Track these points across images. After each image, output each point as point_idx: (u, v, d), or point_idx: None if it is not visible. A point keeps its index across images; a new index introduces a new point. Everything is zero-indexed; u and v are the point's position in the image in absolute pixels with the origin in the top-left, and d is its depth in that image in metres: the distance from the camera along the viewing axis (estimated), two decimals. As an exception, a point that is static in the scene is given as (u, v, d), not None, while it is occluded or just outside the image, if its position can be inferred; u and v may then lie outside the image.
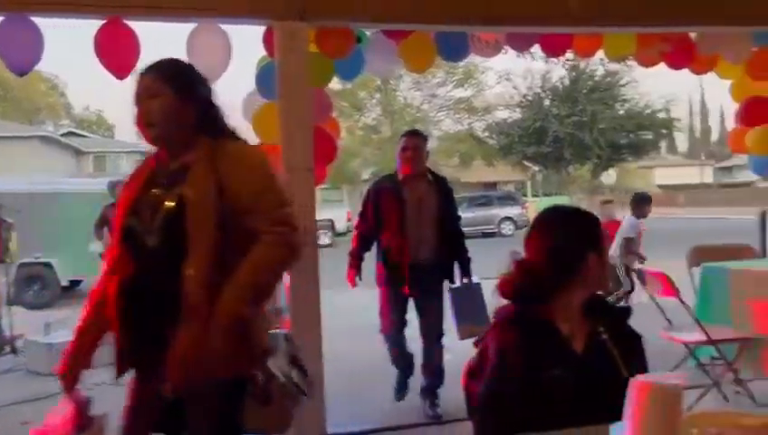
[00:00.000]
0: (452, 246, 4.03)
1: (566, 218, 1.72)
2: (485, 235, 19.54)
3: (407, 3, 3.67)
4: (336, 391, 3.80)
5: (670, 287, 3.60)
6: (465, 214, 21.71)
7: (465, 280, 4.08)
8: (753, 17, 4.23)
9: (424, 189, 3.99)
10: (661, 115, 25.36)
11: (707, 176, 42.57)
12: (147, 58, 3.29)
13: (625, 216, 6.56)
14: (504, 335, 1.57)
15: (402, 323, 4.02)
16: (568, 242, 1.64)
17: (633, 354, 1.68)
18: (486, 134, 26.27)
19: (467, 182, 27.65)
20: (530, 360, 1.52)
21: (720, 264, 4.08)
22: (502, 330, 1.60)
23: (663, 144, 39.46)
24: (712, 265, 4.10)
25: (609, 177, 32.39)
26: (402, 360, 4.09)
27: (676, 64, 4.67)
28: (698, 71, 4.86)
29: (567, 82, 23.33)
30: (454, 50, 4.24)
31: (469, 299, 3.94)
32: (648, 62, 4.68)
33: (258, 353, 1.78)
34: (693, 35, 4.61)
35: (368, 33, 4.10)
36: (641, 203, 6.36)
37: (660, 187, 41.24)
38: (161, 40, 3.66)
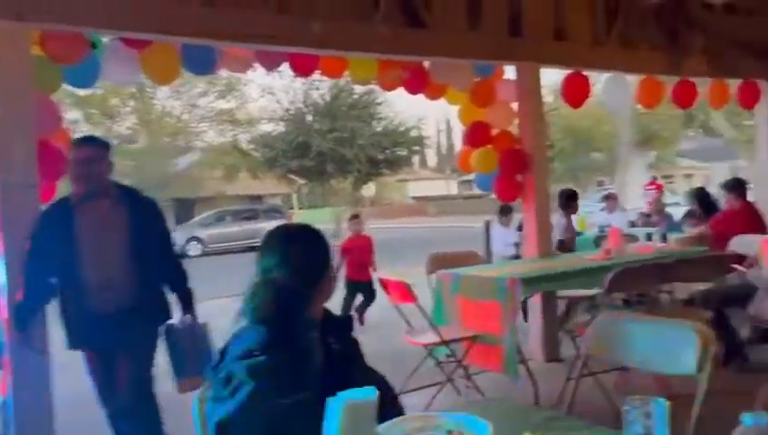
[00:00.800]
0: (166, 279, 3.20)
1: (301, 235, 1.74)
2: (252, 248, 19.35)
3: (145, 11, 3.48)
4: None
5: (408, 294, 3.90)
6: (231, 228, 21.26)
7: (186, 317, 3.23)
8: (473, 52, 4.83)
9: (107, 212, 3.05)
10: (413, 133, 27.61)
11: (453, 188, 47.30)
12: None
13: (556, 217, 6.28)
14: (254, 363, 1.49)
15: (113, 394, 3.10)
16: (310, 257, 1.67)
17: (356, 361, 1.78)
18: (252, 147, 26.14)
19: (233, 195, 27.19)
20: (282, 382, 1.49)
21: (451, 270, 4.53)
22: (251, 353, 1.52)
23: (416, 159, 43.01)
24: (444, 272, 4.53)
25: (370, 189, 34.37)
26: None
27: (412, 89, 5.12)
28: (432, 96, 5.38)
29: (328, 98, 24.27)
30: (200, 63, 4.14)
31: (191, 344, 3.17)
32: (388, 87, 5.07)
33: None
34: (426, 65, 5.11)
35: (105, 39, 3.81)
36: (569, 200, 6.41)
37: (414, 198, 44.86)
38: None
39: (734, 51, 6.42)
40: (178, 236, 21.30)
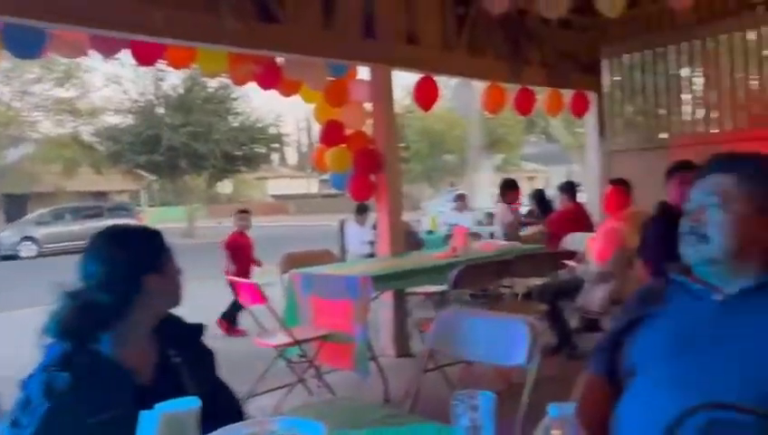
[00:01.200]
0: None
1: (118, 240, 1.57)
2: (95, 249, 18.01)
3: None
4: None
5: (259, 295, 3.81)
6: (72, 227, 19.70)
7: None
8: (326, 50, 4.82)
9: None
10: (272, 130, 27.13)
11: (313, 186, 47.25)
12: None
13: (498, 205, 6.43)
14: (52, 381, 1.35)
15: None
16: (120, 266, 1.50)
17: (206, 374, 1.66)
18: (95, 139, 24.23)
19: (74, 191, 25.13)
20: (82, 405, 1.34)
21: (302, 269, 4.48)
22: (49, 373, 1.37)
23: (276, 157, 42.40)
24: (296, 271, 4.48)
25: (226, 187, 33.33)
26: None
27: (265, 85, 5.00)
28: (285, 93, 5.30)
29: (181, 90, 23.11)
30: (24, 45, 3.74)
31: None
32: (240, 81, 4.92)
33: None
34: (280, 61, 5.02)
35: None
36: (508, 190, 6.45)
37: (274, 196, 44.25)
38: None
39: (568, 64, 6.99)
40: (9, 235, 19.39)
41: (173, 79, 22.60)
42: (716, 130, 6.74)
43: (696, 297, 1.33)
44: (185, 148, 22.51)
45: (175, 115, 22.64)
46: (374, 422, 1.47)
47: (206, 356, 1.69)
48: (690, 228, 1.34)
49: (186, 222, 23.68)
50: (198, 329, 1.71)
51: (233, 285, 4.03)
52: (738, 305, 1.27)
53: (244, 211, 6.60)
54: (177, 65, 4.80)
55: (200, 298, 6.20)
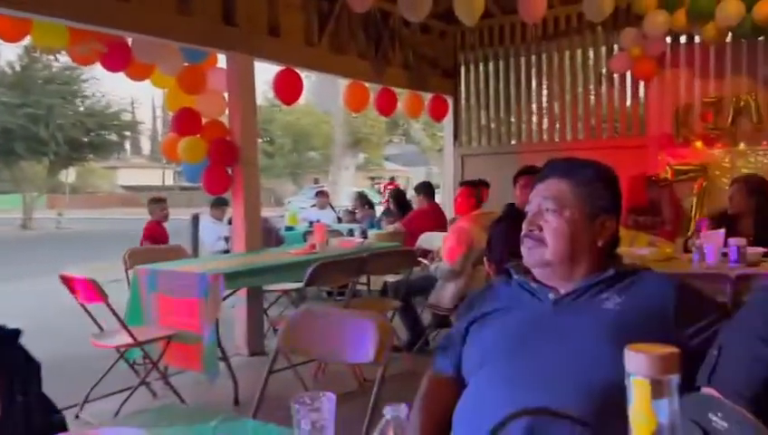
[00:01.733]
0: None
1: None
2: None
3: None
4: None
5: (97, 293, 3.51)
6: None
7: None
8: (180, 34, 4.55)
9: None
10: (125, 116, 25.44)
11: (169, 178, 44.96)
12: None
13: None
14: None
15: None
16: None
17: (16, 384, 1.45)
18: None
19: None
20: None
21: (149, 265, 4.20)
22: None
23: (128, 145, 39.87)
24: (141, 267, 4.19)
25: (70, 175, 30.84)
26: None
27: (112, 67, 4.64)
28: (135, 77, 4.95)
29: (17, 67, 20.93)
30: None
31: None
32: (81, 60, 4.52)
33: None
34: (130, 41, 4.67)
35: None
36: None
37: (125, 187, 41.58)
38: None
39: (427, 67, 7.21)
40: None
41: (9, 54, 20.49)
42: (557, 140, 7.28)
43: (534, 297, 1.37)
44: (22, 131, 20.43)
45: (10, 94, 20.48)
46: (210, 426, 1.38)
47: (21, 364, 1.49)
48: (528, 231, 1.38)
49: (22, 212, 21.58)
50: (12, 335, 1.51)
51: (66, 281, 3.67)
52: (567, 307, 1.32)
53: (160, 199, 6.09)
54: (6, 38, 4.28)
55: (32, 297, 5.67)
